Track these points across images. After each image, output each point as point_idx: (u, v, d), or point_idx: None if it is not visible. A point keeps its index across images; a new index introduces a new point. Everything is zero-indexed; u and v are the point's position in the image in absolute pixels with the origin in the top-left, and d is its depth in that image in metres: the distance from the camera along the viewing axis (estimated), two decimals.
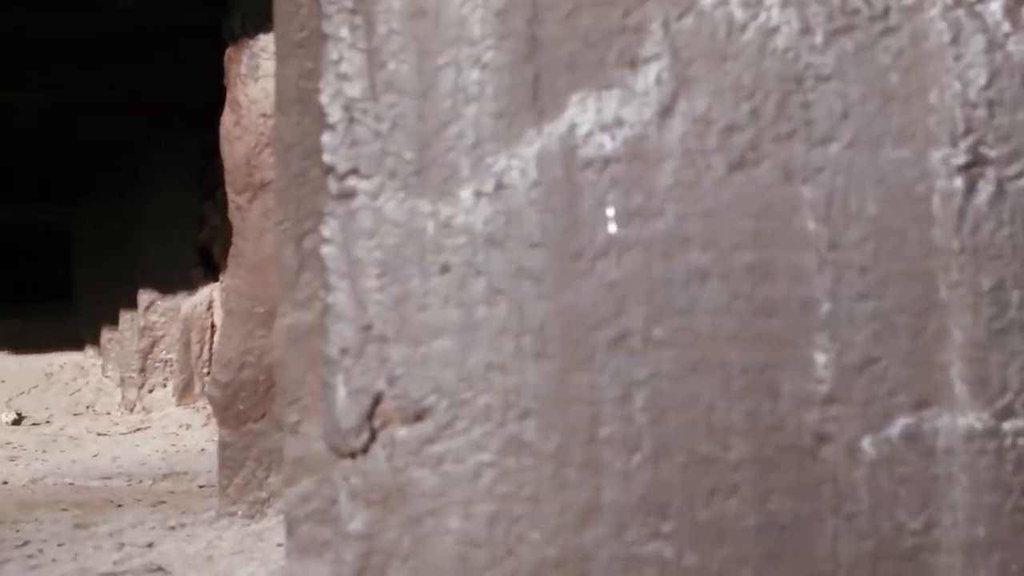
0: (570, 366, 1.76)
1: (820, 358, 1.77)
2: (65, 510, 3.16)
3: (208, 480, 3.61)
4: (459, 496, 1.76)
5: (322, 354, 1.86)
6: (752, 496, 1.77)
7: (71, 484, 3.68)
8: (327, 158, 1.80)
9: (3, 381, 6.15)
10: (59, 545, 2.67)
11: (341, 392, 1.78)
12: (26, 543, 2.69)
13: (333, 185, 1.79)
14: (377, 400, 1.77)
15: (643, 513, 1.76)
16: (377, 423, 1.77)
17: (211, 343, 5.10)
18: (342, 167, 1.79)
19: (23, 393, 5.97)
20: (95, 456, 4.22)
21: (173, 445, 4.41)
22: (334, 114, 1.80)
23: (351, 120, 1.79)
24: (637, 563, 1.76)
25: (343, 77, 1.80)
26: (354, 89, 1.79)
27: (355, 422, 1.78)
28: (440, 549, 1.76)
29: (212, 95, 3.96)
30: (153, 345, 5.25)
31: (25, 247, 7.93)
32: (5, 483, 3.70)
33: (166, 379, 5.23)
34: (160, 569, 2.38)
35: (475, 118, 1.77)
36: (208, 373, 5.11)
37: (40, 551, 2.62)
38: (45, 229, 7.49)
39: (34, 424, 5.29)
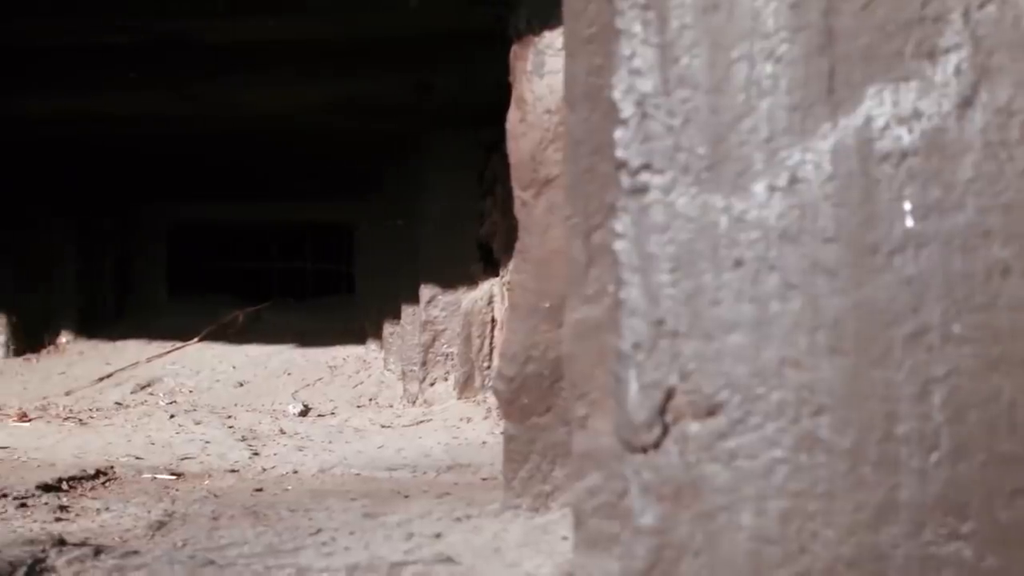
0: (865, 362, 1.73)
1: None
2: (354, 500, 3.24)
3: (491, 473, 3.67)
4: (751, 492, 1.75)
5: (612, 349, 1.87)
6: None
7: (358, 474, 3.78)
8: (619, 153, 1.80)
9: (289, 374, 6.34)
10: (350, 534, 2.73)
11: (633, 387, 1.79)
12: (319, 531, 2.77)
13: (625, 180, 1.80)
14: (669, 395, 1.77)
15: (941, 512, 1.72)
16: (669, 418, 1.77)
17: (491, 338, 5.17)
18: (634, 162, 1.79)
19: (308, 385, 6.14)
20: (380, 448, 4.31)
21: (455, 438, 4.49)
22: (626, 109, 1.80)
23: (643, 115, 1.79)
24: (935, 564, 1.72)
25: (635, 72, 1.80)
26: (646, 84, 1.80)
27: (647, 417, 1.78)
28: (732, 545, 1.75)
29: (493, 92, 4.02)
30: (434, 339, 5.35)
31: (309, 243, 8.18)
32: (295, 472, 3.81)
33: (447, 373, 5.32)
34: (449, 559, 2.42)
35: (769, 112, 1.76)
36: (488, 367, 5.20)
37: (332, 539, 2.68)
38: (328, 225, 7.72)
39: (320, 416, 5.44)
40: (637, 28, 1.80)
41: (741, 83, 1.76)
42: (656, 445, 1.77)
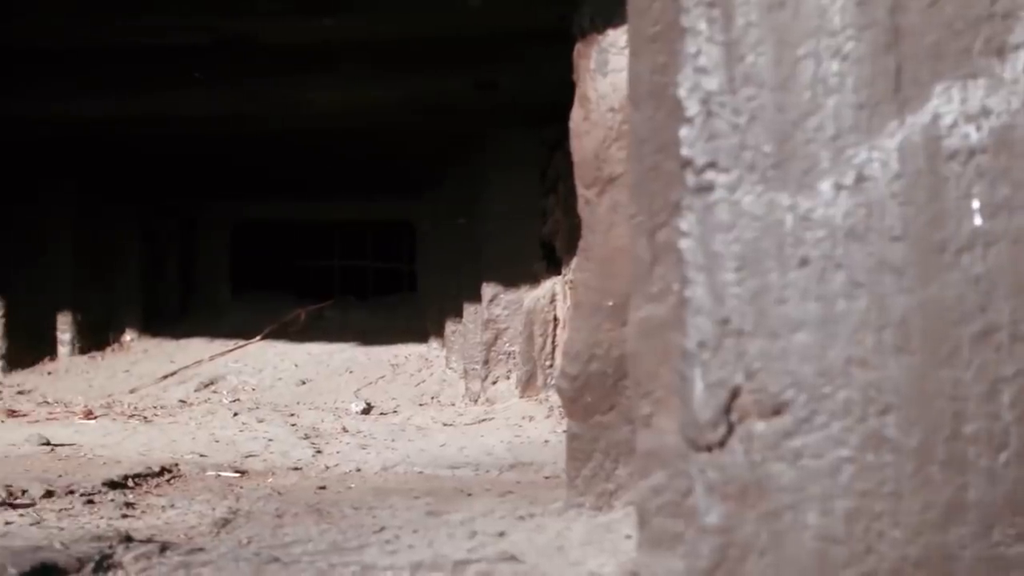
0: (933, 361, 1.72)
1: None
2: (417, 498, 3.24)
3: (553, 471, 3.67)
4: (817, 491, 1.74)
5: (677, 347, 1.87)
6: None
7: (421, 472, 3.79)
8: (684, 152, 1.80)
9: (351, 372, 6.36)
10: (413, 532, 2.74)
11: (698, 385, 1.79)
12: (382, 529, 2.78)
13: (690, 179, 1.80)
14: (735, 394, 1.77)
15: (1010, 513, 1.70)
16: (734, 417, 1.77)
17: (553, 336, 5.17)
18: (700, 161, 1.79)
19: (370, 383, 6.17)
20: (442, 446, 4.31)
21: (517, 436, 4.48)
22: (692, 108, 1.80)
23: (709, 113, 1.79)
24: (1003, 565, 1.71)
25: (701, 70, 1.80)
26: (712, 82, 1.79)
27: (712, 416, 1.78)
28: (798, 545, 1.74)
29: (556, 91, 4.02)
30: (496, 338, 5.36)
31: (371, 241, 8.22)
32: (358, 470, 3.83)
33: (509, 371, 5.32)
34: (512, 558, 2.42)
35: (835, 110, 1.75)
36: (550, 366, 5.19)
37: (396, 537, 2.69)
38: (390, 223, 7.74)
39: (382, 414, 5.45)
40: (702, 26, 1.79)
41: (807, 81, 1.76)
42: (721, 444, 1.77)
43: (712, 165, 1.78)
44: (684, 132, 1.80)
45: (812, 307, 1.75)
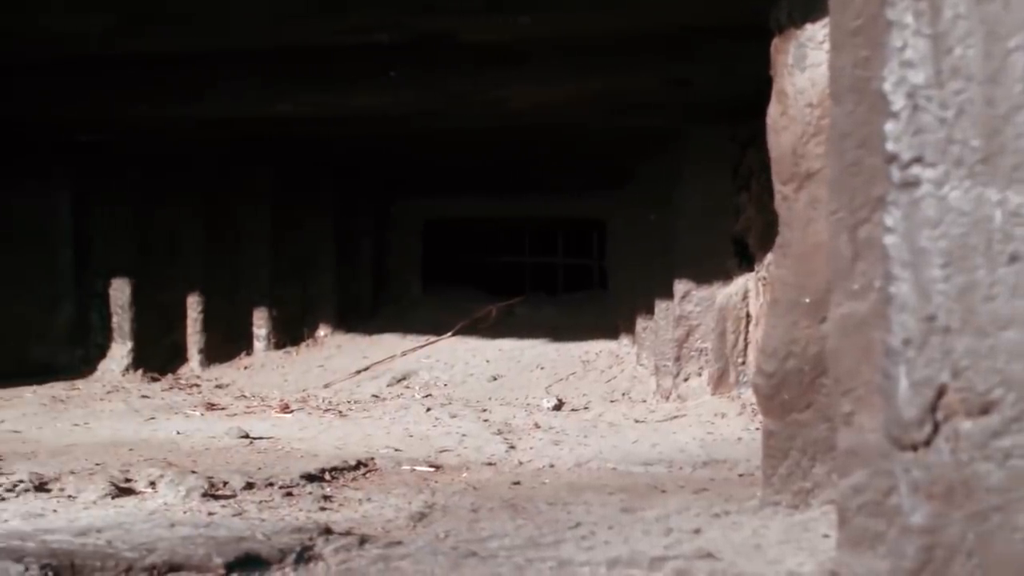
0: None
1: None
2: (611, 494, 3.24)
3: (747, 469, 3.64)
4: None
5: (880, 345, 1.84)
6: None
7: (614, 469, 3.79)
8: (889, 146, 1.78)
9: (542, 368, 6.38)
10: (609, 528, 2.74)
11: (903, 383, 1.76)
12: (578, 524, 2.79)
13: (895, 174, 1.77)
14: (940, 392, 1.74)
15: None
16: (940, 415, 1.74)
17: (746, 333, 5.13)
18: (905, 155, 1.76)
19: (561, 380, 6.17)
20: (634, 442, 4.30)
21: (709, 433, 4.46)
22: (897, 102, 1.78)
23: (915, 107, 1.76)
24: None
25: (907, 64, 1.77)
26: (918, 76, 1.77)
27: (917, 414, 1.75)
28: (1007, 546, 1.71)
29: (750, 86, 3.99)
30: (688, 334, 5.33)
31: (561, 238, 8.25)
32: (552, 466, 3.84)
33: (700, 368, 5.29)
34: (709, 555, 2.42)
35: None
36: (743, 363, 5.15)
37: (592, 533, 2.70)
38: (580, 220, 7.76)
39: (573, 410, 5.46)
40: (909, 19, 1.77)
41: (1018, 74, 1.72)
42: (927, 443, 1.74)
43: (918, 160, 1.76)
44: (890, 126, 1.78)
45: (1022, 305, 1.71)
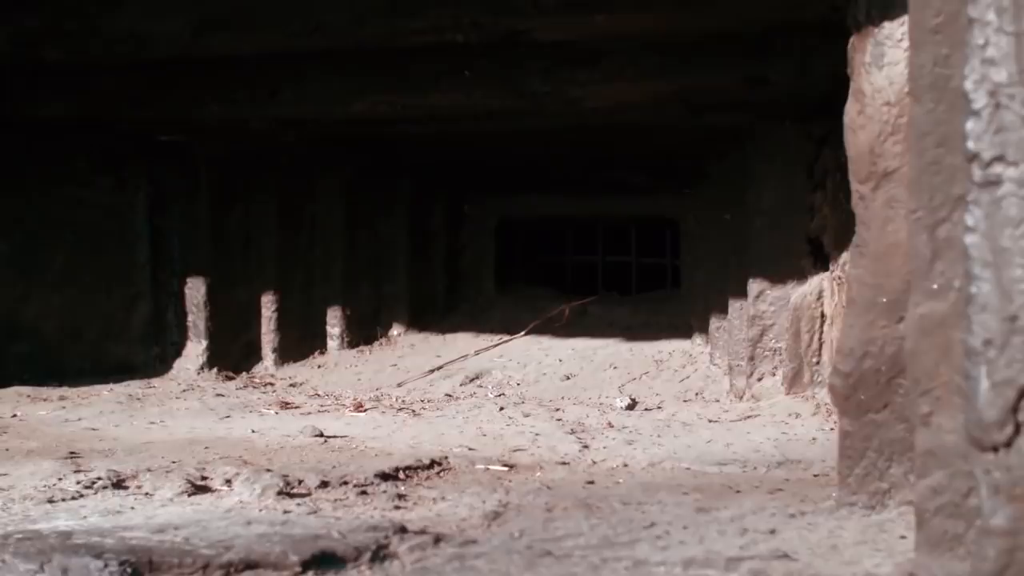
0: None
1: None
2: (685, 494, 3.23)
3: (822, 469, 3.62)
4: None
5: (960, 345, 1.83)
6: None
7: (688, 469, 3.77)
8: (970, 145, 1.76)
9: (615, 367, 6.37)
10: (683, 528, 2.73)
11: (983, 384, 1.75)
12: (652, 524, 2.78)
13: (977, 173, 1.76)
14: (1022, 393, 1.72)
15: None
16: (1022, 417, 1.72)
17: (820, 333, 5.10)
18: (987, 154, 1.75)
19: (634, 379, 6.16)
20: (708, 442, 4.29)
21: (784, 433, 4.43)
22: (979, 100, 1.76)
23: (997, 106, 1.75)
24: None
25: (988, 62, 1.76)
26: (1000, 74, 1.75)
27: (998, 415, 1.74)
28: None
29: (826, 85, 3.97)
30: (762, 334, 5.30)
31: (634, 237, 8.23)
32: (626, 466, 3.83)
33: (775, 368, 5.26)
34: (785, 555, 2.41)
35: None
36: (817, 363, 5.12)
37: (667, 532, 2.69)
38: (654, 219, 7.73)
39: (646, 409, 5.44)
40: (991, 16, 1.75)
41: None
42: (1008, 444, 1.73)
43: (1000, 159, 1.74)
44: (971, 125, 1.76)
45: None
